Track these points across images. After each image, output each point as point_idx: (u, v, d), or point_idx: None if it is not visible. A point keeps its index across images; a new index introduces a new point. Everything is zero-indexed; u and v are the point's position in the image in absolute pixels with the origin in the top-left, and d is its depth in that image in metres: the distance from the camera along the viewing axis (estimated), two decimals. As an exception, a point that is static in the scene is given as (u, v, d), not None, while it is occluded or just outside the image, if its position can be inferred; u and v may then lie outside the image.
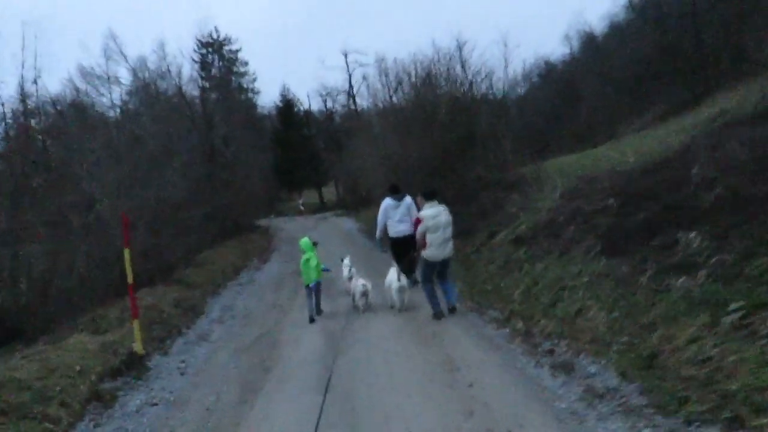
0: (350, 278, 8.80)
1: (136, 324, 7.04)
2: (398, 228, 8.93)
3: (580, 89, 35.55)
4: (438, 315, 7.14)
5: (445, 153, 12.05)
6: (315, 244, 9.02)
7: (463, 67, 15.02)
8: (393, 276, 7.94)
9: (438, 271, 7.30)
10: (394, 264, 8.08)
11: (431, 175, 12.28)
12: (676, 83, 27.34)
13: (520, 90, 37.09)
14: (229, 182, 21.44)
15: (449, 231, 7.08)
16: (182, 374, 6.74)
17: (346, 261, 9.24)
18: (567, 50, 44.83)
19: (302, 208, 38.34)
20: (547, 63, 44.95)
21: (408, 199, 8.94)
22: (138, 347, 6.98)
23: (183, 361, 7.25)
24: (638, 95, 30.34)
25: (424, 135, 12.90)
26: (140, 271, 11.81)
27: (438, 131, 12.40)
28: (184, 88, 22.44)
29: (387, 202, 9.00)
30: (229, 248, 18.70)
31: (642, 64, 28.53)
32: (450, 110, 12.91)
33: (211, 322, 9.59)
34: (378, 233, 9.39)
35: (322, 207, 38.38)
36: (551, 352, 5.24)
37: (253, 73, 46.21)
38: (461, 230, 11.25)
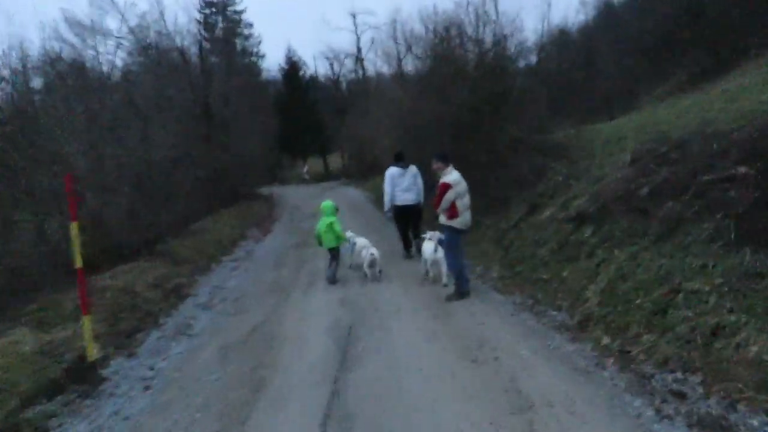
0: (371, 264, 8.06)
1: (86, 322, 5.19)
2: (404, 197, 8.42)
3: (596, 58, 33.19)
4: (464, 294, 6.40)
5: (474, 112, 10.04)
6: (337, 209, 8.39)
7: (488, 22, 12.85)
8: (429, 247, 7.21)
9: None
10: (427, 233, 7.43)
11: (456, 137, 10.32)
12: (698, 50, 24.98)
13: (533, 59, 34.74)
14: (227, 144, 19.44)
15: (469, 197, 6.52)
16: (146, 389, 4.95)
17: (349, 233, 8.75)
18: (582, 17, 42.02)
19: (307, 176, 36.34)
20: (563, 32, 42.28)
21: (413, 167, 8.48)
22: (89, 352, 5.17)
23: (151, 368, 5.46)
24: (657, 64, 28.02)
25: (447, 93, 10.88)
26: (122, 243, 10.05)
27: (466, 88, 10.36)
28: (182, 43, 20.28)
29: (392, 170, 8.47)
30: (227, 217, 16.84)
31: (661, 31, 26.16)
32: (480, 64, 10.87)
33: (196, 308, 7.78)
34: (387, 203, 8.69)
35: (327, 175, 36.39)
36: (680, 395, 3.39)
37: (258, 36, 43.78)
38: (492, 201, 9.44)
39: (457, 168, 6.54)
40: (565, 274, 5.85)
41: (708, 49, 24.46)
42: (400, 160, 8.54)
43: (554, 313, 5.41)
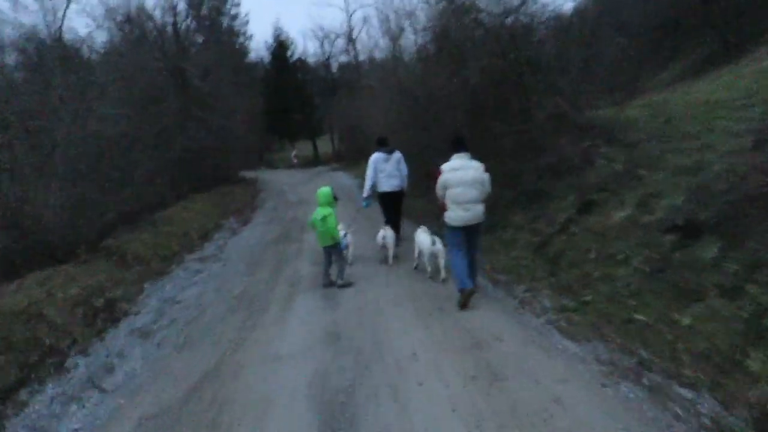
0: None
1: None
2: (389, 183, 7.85)
3: (594, 43, 31.03)
4: (464, 292, 5.29)
5: (498, 84, 7.76)
6: (336, 198, 6.73)
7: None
8: (425, 239, 6.39)
9: (466, 239, 5.45)
10: (423, 227, 6.70)
11: (477, 115, 8.04)
12: (705, 35, 22.91)
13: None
14: (206, 122, 16.91)
15: (475, 191, 5.31)
16: None
17: (340, 227, 7.30)
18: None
19: (295, 160, 33.74)
20: (559, 17, 39.90)
21: (398, 153, 7.94)
22: None
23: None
24: (660, 49, 25.90)
25: (460, 63, 8.55)
26: (54, 240, 7.68)
27: (486, 57, 8.05)
28: (163, 17, 17.64)
29: (376, 155, 7.90)
30: (201, 204, 14.40)
31: (666, 15, 24.01)
32: (500, 29, 8.55)
33: (129, 337, 5.50)
34: (366, 189, 8.05)
35: (316, 160, 33.82)
36: None
37: (246, 16, 40.96)
38: (524, 194, 7.23)
39: (475, 155, 5.44)
40: (687, 321, 3.62)
41: (717, 33, 22.26)
42: (384, 145, 7.97)
43: (686, 393, 3.19)
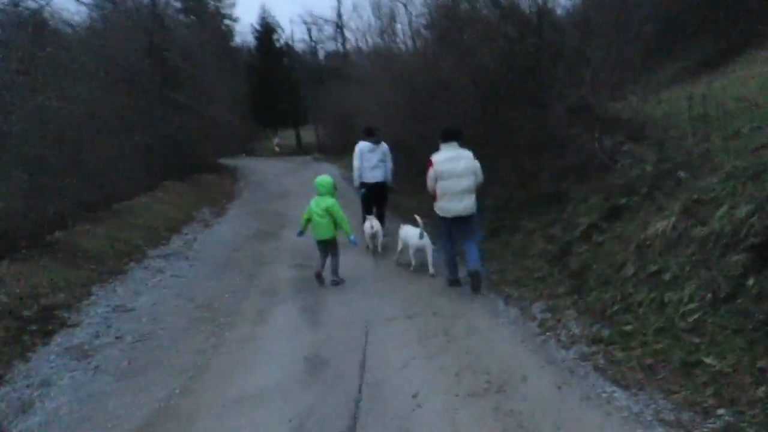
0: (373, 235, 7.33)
1: None
2: (372, 174, 7.64)
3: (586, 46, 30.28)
4: (453, 283, 5.42)
5: (513, 71, 6.79)
6: (335, 188, 6.17)
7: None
8: (412, 232, 6.03)
9: (457, 232, 5.37)
10: (418, 219, 5.97)
11: (488, 106, 7.06)
12: (702, 37, 22.33)
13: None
14: (187, 106, 15.65)
15: (467, 182, 5.18)
16: None
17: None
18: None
19: (278, 149, 32.43)
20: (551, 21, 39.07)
21: (384, 144, 7.76)
22: None
23: None
24: (652, 52, 25.27)
25: (470, 48, 7.56)
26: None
27: (501, 40, 7.06)
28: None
29: (362, 145, 7.67)
30: (176, 193, 13.22)
31: (659, 16, 23.36)
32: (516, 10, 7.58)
33: (60, 358, 4.42)
34: (356, 179, 7.80)
35: (300, 149, 32.55)
36: None
37: (232, -2, 39.35)
38: (538, 197, 6.30)
39: (481, 150, 5.50)
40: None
41: (716, 35, 21.60)
42: (371, 135, 7.70)
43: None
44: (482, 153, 5.68)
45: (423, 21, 12.28)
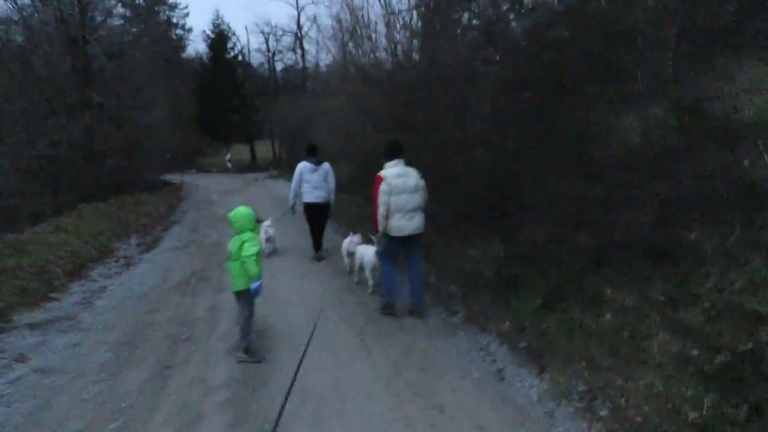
0: (267, 239, 7.52)
1: None
2: (314, 194, 7.19)
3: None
4: (386, 307, 4.94)
5: (571, 61, 4.52)
6: (259, 221, 4.82)
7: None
8: (369, 251, 5.52)
9: (405, 252, 4.94)
10: (356, 236, 6.11)
11: (531, 109, 4.78)
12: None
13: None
14: (108, 111, 12.67)
15: (418, 198, 4.80)
16: None
17: (267, 222, 7.65)
18: None
19: (229, 165, 29.26)
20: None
21: (327, 164, 7.28)
22: None
23: None
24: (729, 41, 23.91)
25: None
26: None
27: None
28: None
29: (303, 165, 7.19)
30: (92, 219, 10.25)
31: None
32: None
33: None
34: (291, 198, 7.45)
35: (253, 165, 29.53)
36: None
37: (186, 7, 36.31)
38: (618, 246, 3.99)
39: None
40: None
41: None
42: (313, 155, 7.30)
43: None
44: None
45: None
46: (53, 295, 6.23)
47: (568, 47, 4.24)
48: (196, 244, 9.44)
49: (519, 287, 4.71)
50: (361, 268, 5.83)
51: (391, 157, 4.88)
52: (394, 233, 4.76)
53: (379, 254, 5.07)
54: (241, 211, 4.12)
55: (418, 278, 4.89)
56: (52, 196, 9.96)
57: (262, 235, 7.06)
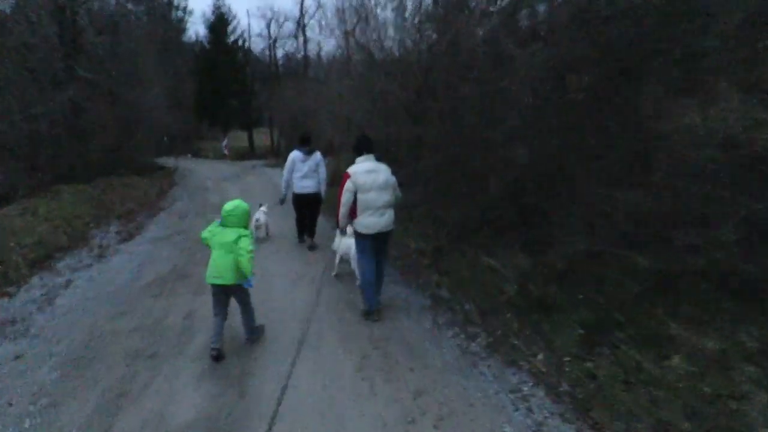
0: (257, 227, 7.45)
1: None
2: (303, 184, 6.96)
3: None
4: (369, 315, 4.61)
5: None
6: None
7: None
8: (353, 244, 5.01)
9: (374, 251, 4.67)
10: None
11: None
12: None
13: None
14: (96, 86, 11.74)
15: (387, 195, 4.57)
16: None
17: (263, 208, 7.72)
18: None
19: (226, 151, 28.23)
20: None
21: (318, 154, 7.06)
22: None
23: None
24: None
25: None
26: None
27: None
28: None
29: (295, 154, 6.99)
30: (71, 201, 9.36)
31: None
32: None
33: None
34: (282, 188, 7.19)
35: (251, 152, 28.56)
36: None
37: (186, -12, 35.16)
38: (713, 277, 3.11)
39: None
40: None
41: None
42: (305, 144, 6.99)
43: None
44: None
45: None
46: (8, 289, 5.37)
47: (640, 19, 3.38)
48: (181, 235, 8.58)
49: (552, 311, 3.90)
50: (343, 261, 5.64)
51: (360, 152, 4.70)
52: (364, 230, 4.56)
53: (358, 257, 4.80)
54: (241, 207, 3.83)
55: (379, 276, 4.71)
56: (27, 175, 9.05)
57: (253, 219, 6.94)
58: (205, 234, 3.85)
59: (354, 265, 5.28)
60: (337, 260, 5.76)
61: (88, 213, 9.04)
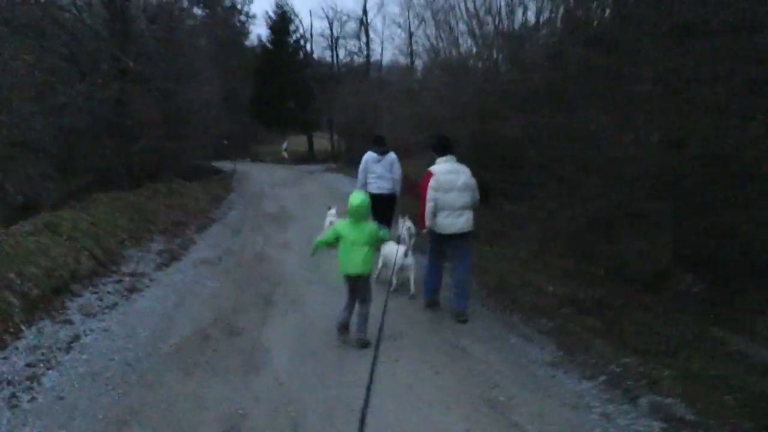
0: None
1: None
2: (378, 184, 6.82)
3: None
4: (430, 303, 4.80)
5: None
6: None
7: None
8: (394, 249, 5.02)
9: (451, 251, 4.71)
10: (404, 235, 5.61)
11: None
12: None
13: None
14: (153, 85, 10.21)
15: (467, 197, 4.55)
16: None
17: (333, 211, 7.30)
18: None
19: (285, 155, 26.84)
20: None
21: (392, 154, 6.90)
22: None
23: None
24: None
25: None
26: None
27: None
28: None
29: (369, 155, 6.91)
30: (108, 212, 7.65)
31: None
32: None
33: None
34: (358, 187, 6.72)
35: (310, 157, 26.96)
36: None
37: (250, -7, 34.24)
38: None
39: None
40: None
41: None
42: (380, 145, 6.90)
43: None
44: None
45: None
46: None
47: None
48: (233, 257, 6.75)
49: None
50: (386, 266, 5.39)
51: (442, 153, 4.70)
52: (440, 230, 4.57)
53: (429, 254, 4.83)
54: (366, 201, 3.91)
55: (462, 279, 4.60)
56: (61, 181, 7.48)
57: (326, 223, 6.98)
58: (329, 237, 3.90)
59: (394, 272, 4.91)
60: (379, 265, 5.39)
61: (125, 227, 7.33)
